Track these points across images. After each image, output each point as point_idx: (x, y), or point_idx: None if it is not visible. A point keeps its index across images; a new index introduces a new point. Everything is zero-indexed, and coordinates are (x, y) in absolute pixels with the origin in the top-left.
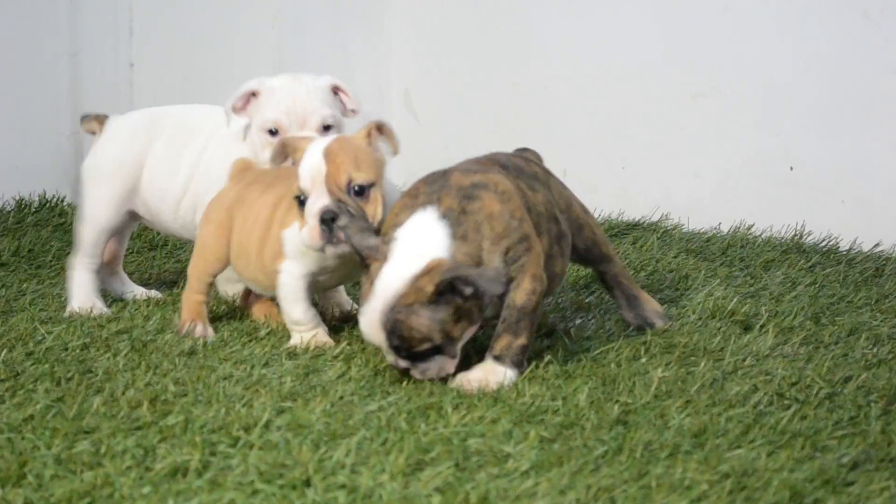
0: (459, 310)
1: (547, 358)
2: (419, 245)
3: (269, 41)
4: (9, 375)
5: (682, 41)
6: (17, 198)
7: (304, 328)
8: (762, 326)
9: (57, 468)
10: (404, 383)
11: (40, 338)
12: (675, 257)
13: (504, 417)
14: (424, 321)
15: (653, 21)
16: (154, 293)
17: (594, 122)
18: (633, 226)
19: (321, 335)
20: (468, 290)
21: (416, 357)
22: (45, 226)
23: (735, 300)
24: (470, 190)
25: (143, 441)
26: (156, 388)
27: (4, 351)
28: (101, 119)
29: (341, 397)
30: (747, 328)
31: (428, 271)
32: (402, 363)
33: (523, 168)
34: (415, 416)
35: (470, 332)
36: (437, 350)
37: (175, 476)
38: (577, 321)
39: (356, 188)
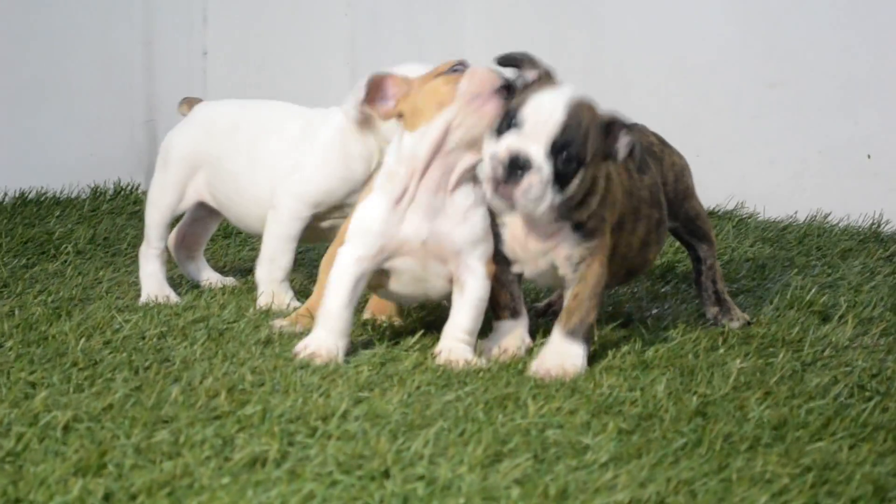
0: (601, 159)
1: (624, 348)
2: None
3: (343, 30)
4: (87, 364)
5: (759, 30)
6: (93, 186)
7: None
8: (841, 317)
9: (137, 458)
10: (480, 374)
11: (117, 326)
12: (751, 246)
13: (582, 408)
14: (588, 127)
15: (729, 9)
16: (229, 280)
17: (669, 110)
18: (710, 214)
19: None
20: (627, 139)
21: (556, 161)
22: (120, 213)
23: (813, 290)
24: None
25: (221, 431)
26: (233, 378)
27: (83, 340)
28: (192, 103)
29: (418, 387)
30: (826, 319)
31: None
32: (538, 157)
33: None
34: (492, 407)
35: (580, 185)
36: (565, 176)
37: (254, 466)
38: (654, 311)
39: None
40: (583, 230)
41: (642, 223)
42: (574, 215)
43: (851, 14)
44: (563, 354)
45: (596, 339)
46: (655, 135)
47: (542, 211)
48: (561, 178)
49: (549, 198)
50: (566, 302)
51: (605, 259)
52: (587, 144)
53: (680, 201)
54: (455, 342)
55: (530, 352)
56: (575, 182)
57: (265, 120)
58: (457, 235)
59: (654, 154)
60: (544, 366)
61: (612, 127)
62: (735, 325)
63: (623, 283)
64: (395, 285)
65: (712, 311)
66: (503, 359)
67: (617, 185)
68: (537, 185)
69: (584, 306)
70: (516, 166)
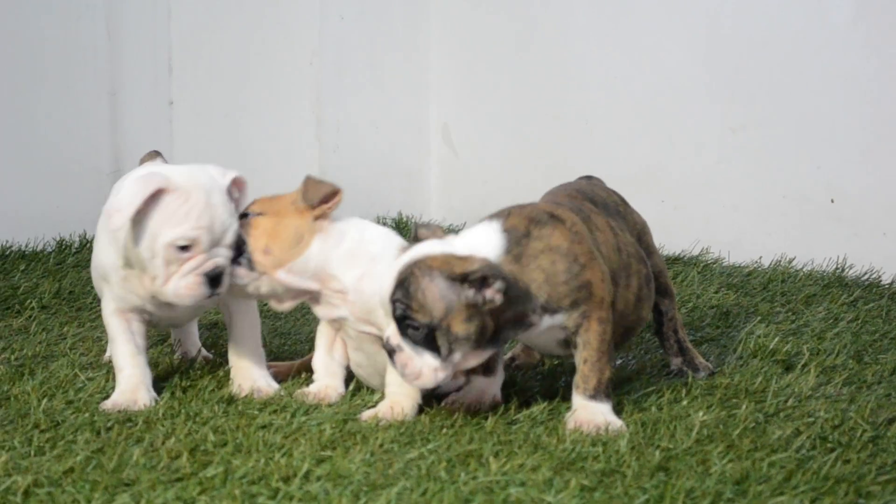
0: (474, 308)
1: None
2: (470, 242)
3: (309, 77)
4: (49, 425)
5: (722, 74)
6: (58, 239)
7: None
8: (804, 366)
9: None
10: (443, 430)
11: (80, 385)
12: (715, 292)
13: (545, 465)
14: (436, 290)
15: (692, 55)
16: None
17: (633, 155)
18: (674, 260)
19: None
20: (498, 286)
21: (408, 334)
22: (86, 266)
23: (777, 338)
24: (542, 217)
25: (182, 493)
26: (195, 438)
27: (45, 400)
28: (153, 156)
29: (381, 445)
30: (789, 368)
31: (468, 259)
32: (394, 338)
33: (607, 202)
34: (455, 465)
35: (467, 355)
36: (430, 340)
37: None
38: (618, 361)
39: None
40: (561, 311)
41: (634, 278)
42: (531, 317)
43: (814, 58)
44: (591, 413)
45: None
46: (616, 193)
47: (443, 377)
48: (430, 345)
49: (434, 365)
50: (578, 366)
51: (602, 313)
52: (426, 309)
53: (646, 257)
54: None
55: (495, 408)
56: (444, 344)
57: None
58: None
59: (619, 213)
60: (577, 420)
61: (472, 283)
62: (700, 375)
63: (622, 343)
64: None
65: (676, 361)
66: (465, 411)
67: (602, 242)
68: (409, 363)
69: (597, 368)
70: (392, 352)
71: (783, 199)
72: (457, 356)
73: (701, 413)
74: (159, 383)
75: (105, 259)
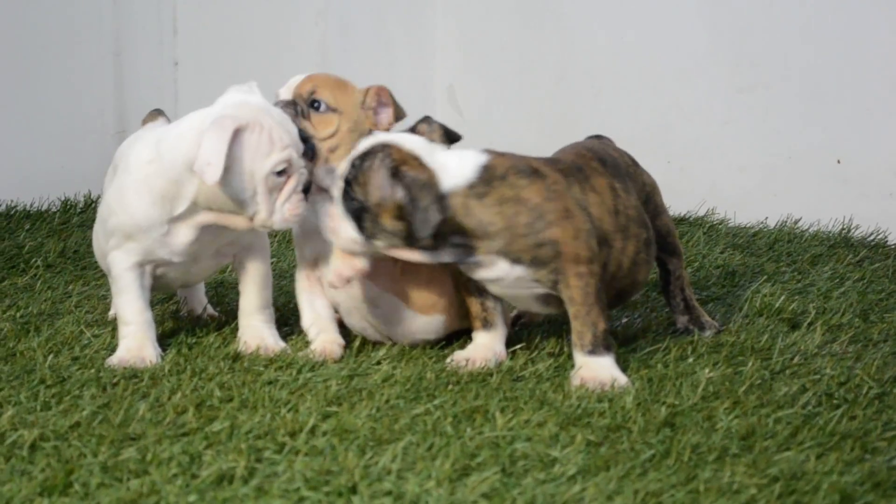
0: (402, 209)
1: None
2: (446, 159)
3: (314, 38)
4: (55, 381)
5: (728, 36)
6: (63, 198)
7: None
8: (810, 324)
9: (103, 476)
10: (449, 387)
11: (86, 342)
12: (721, 252)
13: (550, 420)
14: (379, 178)
15: (698, 15)
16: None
17: (639, 116)
18: (680, 220)
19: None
20: (409, 177)
21: (346, 201)
22: (91, 226)
23: (782, 297)
24: (525, 169)
25: (188, 448)
26: (201, 394)
27: (51, 356)
28: (155, 116)
29: (387, 401)
30: (795, 326)
31: (422, 165)
32: (337, 193)
33: (618, 162)
34: (461, 420)
35: (392, 248)
36: (358, 216)
37: (221, 483)
38: (623, 320)
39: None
40: (522, 262)
41: (632, 242)
42: (480, 255)
43: (821, 20)
44: (594, 370)
45: (614, 341)
46: (627, 154)
47: (357, 250)
48: (358, 221)
49: (352, 236)
50: (571, 324)
51: (580, 268)
52: (365, 190)
53: (652, 219)
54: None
55: (500, 364)
56: (368, 226)
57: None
58: None
59: (628, 173)
60: (581, 377)
61: (397, 175)
62: (707, 333)
63: (615, 305)
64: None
65: (682, 319)
66: (470, 369)
67: (594, 203)
68: (334, 218)
69: (588, 322)
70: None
71: (789, 160)
72: (379, 243)
73: (707, 370)
74: (165, 340)
75: (142, 217)
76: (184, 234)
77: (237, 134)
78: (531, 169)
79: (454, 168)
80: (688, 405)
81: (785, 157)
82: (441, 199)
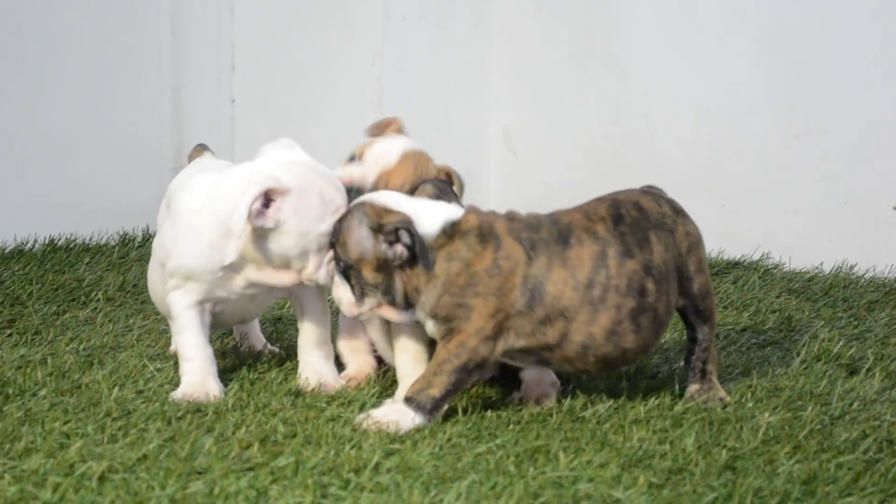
0: (384, 261)
1: (653, 401)
2: (421, 209)
3: (370, 77)
4: (121, 414)
5: (785, 79)
6: (122, 233)
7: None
8: (868, 370)
9: None
10: (510, 426)
11: (150, 375)
12: (777, 297)
13: (612, 462)
14: (357, 235)
15: (754, 60)
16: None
17: (694, 159)
18: (734, 265)
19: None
20: (406, 239)
21: (338, 265)
22: (149, 260)
23: (840, 343)
24: (489, 234)
25: (255, 482)
26: (265, 429)
27: (115, 389)
28: (201, 151)
29: (449, 439)
30: (853, 372)
31: (392, 213)
32: (333, 261)
33: (648, 216)
34: (523, 460)
35: (382, 306)
36: (347, 276)
37: None
38: (681, 363)
39: None
40: (436, 319)
41: (607, 313)
42: (419, 313)
43: (876, 64)
44: (394, 411)
45: (439, 417)
46: (671, 203)
47: (357, 314)
48: (348, 281)
49: (349, 299)
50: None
51: (470, 340)
52: (346, 248)
53: (691, 275)
54: None
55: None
56: (355, 282)
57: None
58: None
59: (665, 226)
60: (372, 413)
61: (379, 230)
62: (710, 405)
63: (603, 370)
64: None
65: (692, 388)
66: (532, 409)
67: (554, 280)
68: (335, 289)
69: (427, 379)
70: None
71: (844, 205)
72: (370, 300)
73: (766, 414)
74: (226, 375)
75: (195, 263)
76: (239, 280)
77: (285, 196)
78: (494, 235)
79: (424, 219)
80: (748, 449)
81: (840, 202)
82: None
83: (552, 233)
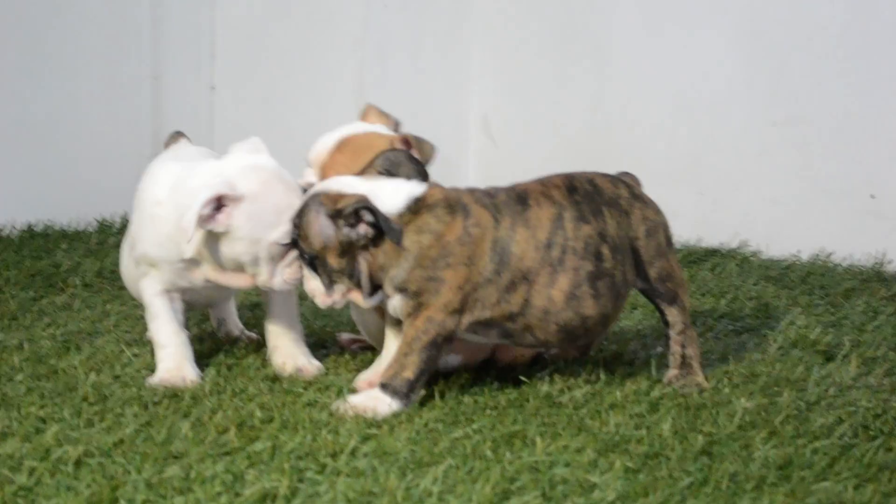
0: (348, 245)
1: (629, 386)
2: (381, 189)
3: (350, 65)
4: (97, 399)
5: (763, 68)
6: (100, 219)
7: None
8: (845, 357)
9: (148, 493)
10: (487, 411)
11: (126, 360)
12: (754, 284)
13: (589, 446)
14: (317, 224)
15: (733, 48)
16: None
17: (673, 148)
18: (712, 252)
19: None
20: (368, 217)
21: (303, 258)
22: None
23: (817, 330)
24: (456, 204)
25: (231, 467)
26: (242, 413)
27: (92, 374)
28: (177, 138)
29: (426, 424)
30: (829, 358)
31: (346, 196)
32: (298, 258)
33: (601, 193)
34: (500, 445)
35: (351, 291)
36: (314, 267)
37: (264, 502)
38: (659, 349)
39: None
40: (405, 293)
41: (566, 275)
42: (386, 288)
43: (856, 53)
44: (371, 397)
45: (416, 397)
46: (630, 187)
47: (331, 303)
48: (315, 272)
49: (320, 290)
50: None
51: (438, 314)
52: (309, 240)
53: (650, 258)
54: None
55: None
56: (322, 271)
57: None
58: None
59: (618, 206)
60: (349, 400)
61: (338, 215)
62: (686, 391)
63: (565, 341)
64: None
65: (670, 373)
66: None
67: (519, 240)
68: (306, 283)
69: (399, 362)
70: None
71: (823, 193)
72: (339, 287)
73: (743, 400)
74: (203, 360)
75: (157, 254)
76: (199, 275)
77: (238, 203)
78: (461, 205)
79: (385, 198)
80: (725, 434)
81: (819, 190)
82: None
83: (511, 196)
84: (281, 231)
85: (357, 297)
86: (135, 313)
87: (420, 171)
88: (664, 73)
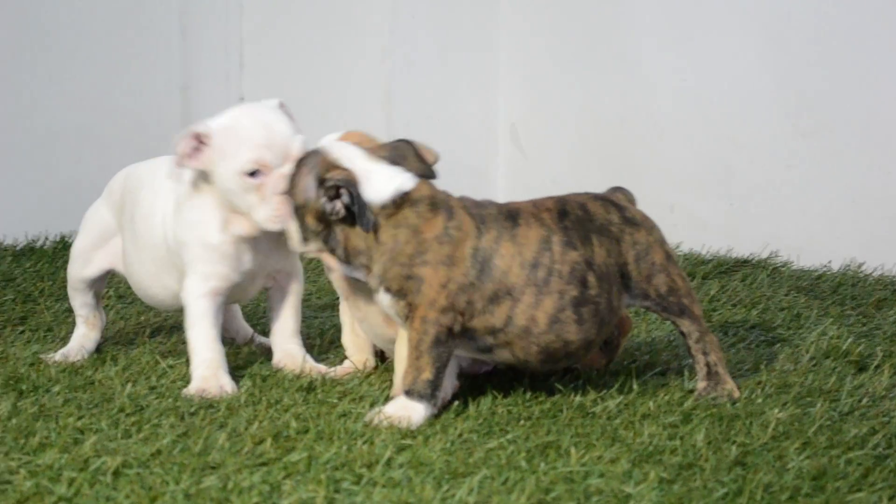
0: (323, 213)
1: (662, 397)
2: (374, 173)
3: (379, 74)
4: (134, 410)
5: (792, 78)
6: None
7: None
8: (877, 367)
9: (187, 503)
10: (521, 422)
11: (162, 371)
12: (785, 295)
13: (623, 457)
14: (305, 182)
15: (760, 59)
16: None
17: (702, 158)
18: (743, 263)
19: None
20: (345, 198)
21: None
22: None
23: (849, 340)
24: (441, 204)
25: (268, 477)
26: (278, 424)
27: (129, 385)
28: None
29: (460, 435)
30: (862, 368)
31: (339, 168)
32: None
33: (592, 219)
34: (534, 455)
35: (323, 251)
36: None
37: None
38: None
39: None
40: (390, 292)
41: (550, 298)
42: (371, 282)
43: (884, 64)
44: (400, 407)
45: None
46: (622, 209)
47: (303, 251)
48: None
49: (297, 235)
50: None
51: (428, 312)
52: (294, 191)
53: (646, 279)
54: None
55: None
56: (300, 225)
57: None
58: None
59: (608, 233)
60: (382, 411)
61: (323, 183)
62: (719, 401)
63: (544, 364)
64: None
65: (699, 386)
66: None
67: (505, 255)
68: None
69: (414, 367)
70: None
71: (852, 203)
72: (312, 245)
73: (776, 410)
74: (238, 372)
75: (202, 237)
76: (244, 249)
77: (210, 136)
78: (446, 205)
79: (376, 183)
80: (758, 444)
81: (848, 200)
82: None
83: (501, 211)
84: (242, 160)
85: (330, 260)
86: (168, 325)
87: (425, 170)
88: (692, 82)
